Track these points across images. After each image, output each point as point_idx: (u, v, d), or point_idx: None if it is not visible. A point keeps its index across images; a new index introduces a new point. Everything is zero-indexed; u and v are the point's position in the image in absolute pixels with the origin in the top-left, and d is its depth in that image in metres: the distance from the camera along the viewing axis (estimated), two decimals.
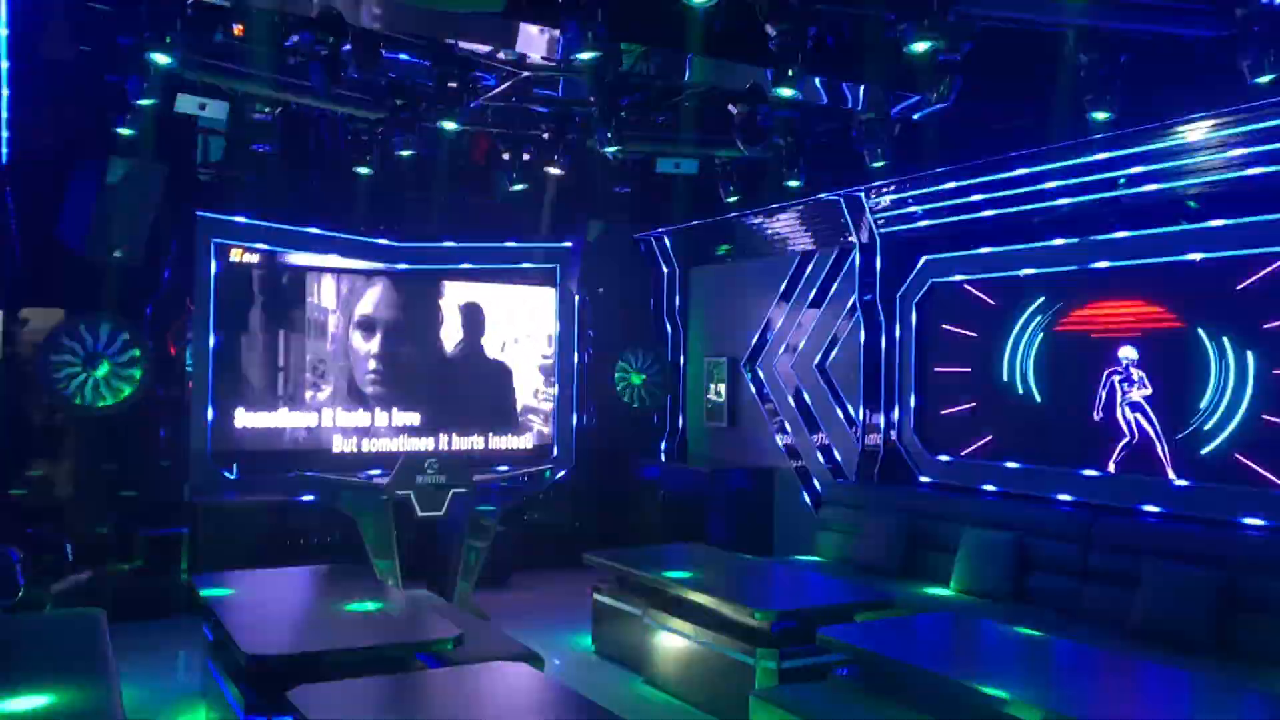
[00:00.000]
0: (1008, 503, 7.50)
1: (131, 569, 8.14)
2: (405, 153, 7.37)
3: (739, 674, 5.83)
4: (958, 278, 8.24)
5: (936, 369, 8.44)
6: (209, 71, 6.54)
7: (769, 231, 9.91)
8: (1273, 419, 6.12)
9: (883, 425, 8.71)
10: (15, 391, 8.25)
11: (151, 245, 8.18)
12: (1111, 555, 6.37)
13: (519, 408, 10.68)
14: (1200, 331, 6.49)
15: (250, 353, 9.35)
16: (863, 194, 8.51)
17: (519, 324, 10.73)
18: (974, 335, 8.07)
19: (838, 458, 9.24)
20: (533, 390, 10.77)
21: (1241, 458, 6.25)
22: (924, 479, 8.36)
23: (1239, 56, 4.81)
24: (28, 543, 7.17)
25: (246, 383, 9.31)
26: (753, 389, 10.30)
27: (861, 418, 8.90)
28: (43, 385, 8.19)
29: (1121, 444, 6.91)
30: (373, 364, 9.95)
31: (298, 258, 9.60)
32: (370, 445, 9.84)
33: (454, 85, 6.64)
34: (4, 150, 7.41)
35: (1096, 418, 7.06)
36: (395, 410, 9.98)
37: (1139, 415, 6.82)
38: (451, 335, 10.40)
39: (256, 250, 9.35)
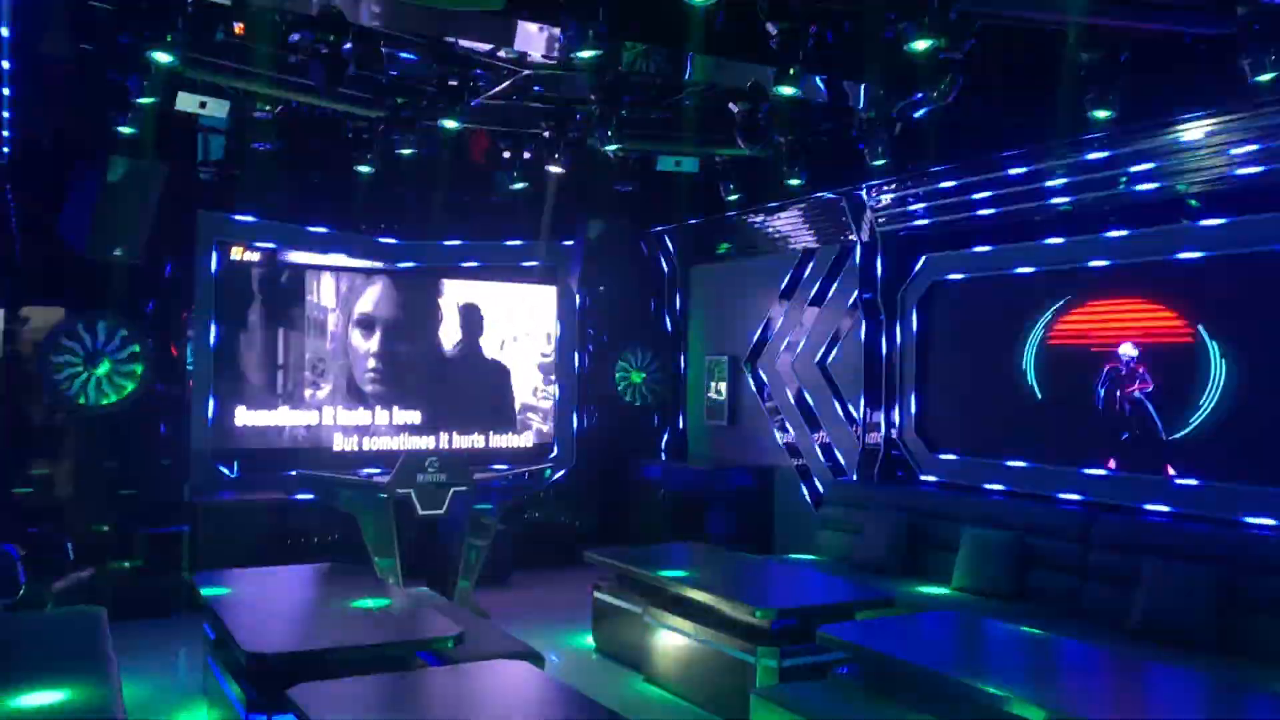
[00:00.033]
0: (1008, 501, 7.51)
1: (132, 567, 8.15)
2: (406, 151, 7.37)
3: (739, 672, 5.83)
4: (959, 276, 8.24)
5: (937, 367, 8.44)
6: (210, 70, 6.54)
7: (770, 230, 9.90)
8: (1273, 417, 6.12)
9: (883, 423, 8.72)
10: (16, 390, 8.26)
11: (152, 244, 8.18)
12: (1112, 554, 6.36)
13: (518, 407, 10.68)
14: (1201, 329, 6.49)
15: (250, 351, 9.36)
16: (863, 192, 8.51)
17: (519, 322, 10.73)
18: (975, 333, 8.07)
19: (838, 456, 9.24)
20: (532, 389, 10.78)
21: (1242, 456, 6.25)
22: (925, 477, 8.36)
23: (1239, 55, 4.81)
24: (29, 541, 7.18)
25: (247, 381, 9.32)
26: (753, 387, 10.30)
27: (862, 416, 8.90)
28: (43, 384, 8.21)
29: (1122, 441, 6.91)
30: (372, 362, 9.96)
31: (298, 256, 9.61)
32: (370, 444, 9.85)
33: (454, 83, 6.64)
34: (5, 149, 7.41)
35: (1097, 415, 7.06)
36: (395, 409, 9.99)
37: (1139, 412, 6.82)
38: (451, 334, 10.41)
39: (257, 249, 9.36)
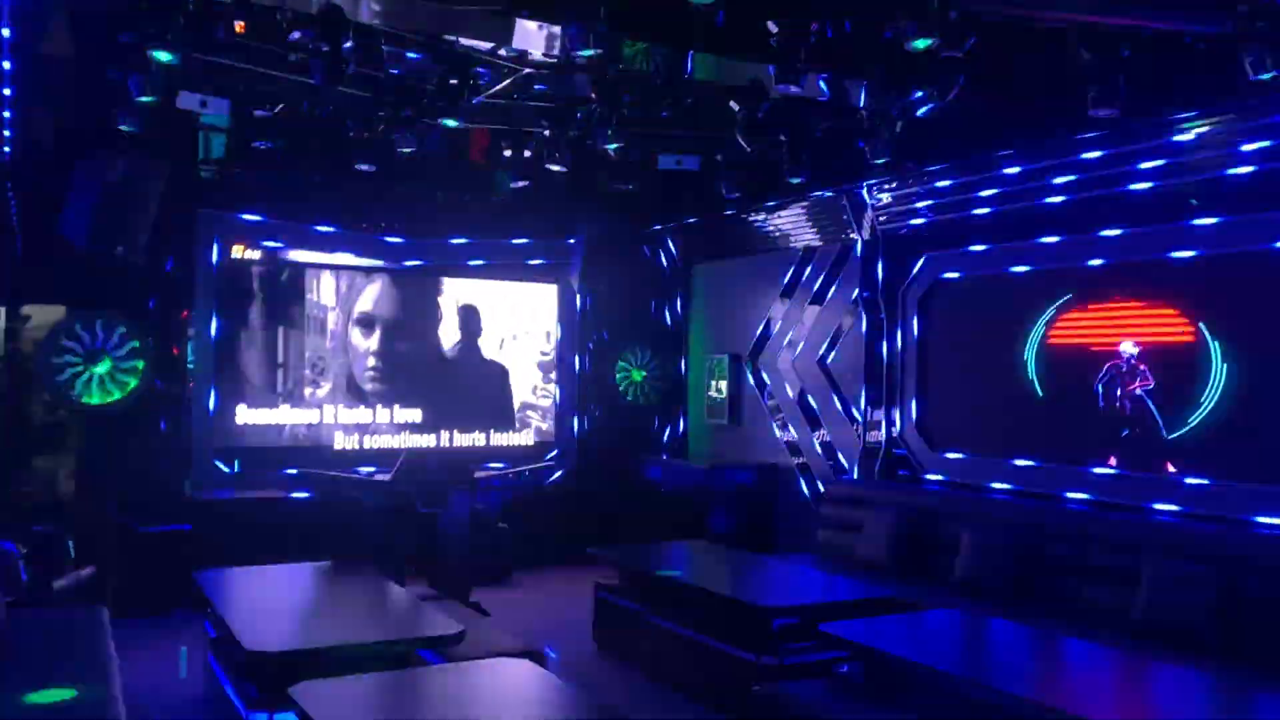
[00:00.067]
0: (1009, 499, 7.50)
1: (133, 565, 8.15)
2: (406, 150, 7.36)
3: (740, 670, 5.84)
4: (959, 274, 8.23)
5: (938, 366, 8.43)
6: (210, 68, 6.53)
7: (770, 228, 9.90)
8: (1275, 415, 6.12)
9: (884, 422, 8.72)
10: (17, 388, 8.27)
11: (153, 242, 8.19)
12: (1112, 553, 6.36)
13: (518, 406, 10.68)
14: (1202, 327, 6.48)
15: (251, 349, 9.37)
16: (864, 191, 8.51)
17: (520, 321, 10.74)
18: (975, 332, 8.07)
19: (839, 455, 9.24)
20: (531, 387, 10.78)
21: (1243, 454, 6.24)
22: (926, 475, 8.36)
23: (1241, 53, 4.80)
24: (30, 539, 7.18)
25: (247, 379, 9.33)
26: (754, 386, 10.30)
27: (863, 414, 8.90)
28: (44, 382, 8.22)
29: (1122, 440, 6.91)
30: (372, 361, 9.97)
31: (298, 254, 9.61)
32: (371, 442, 9.85)
33: (455, 82, 6.63)
34: (5, 148, 7.41)
35: (1098, 414, 7.06)
36: (396, 407, 9.99)
37: (1140, 410, 6.81)
38: (450, 333, 10.41)
39: (257, 247, 9.37)
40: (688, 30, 5.71)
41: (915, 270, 8.55)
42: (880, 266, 8.76)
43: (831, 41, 5.70)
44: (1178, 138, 6.26)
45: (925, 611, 6.06)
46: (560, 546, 9.81)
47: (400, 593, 6.06)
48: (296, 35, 5.63)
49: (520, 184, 8.68)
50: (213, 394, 9.06)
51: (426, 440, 10.04)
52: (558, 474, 10.54)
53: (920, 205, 8.30)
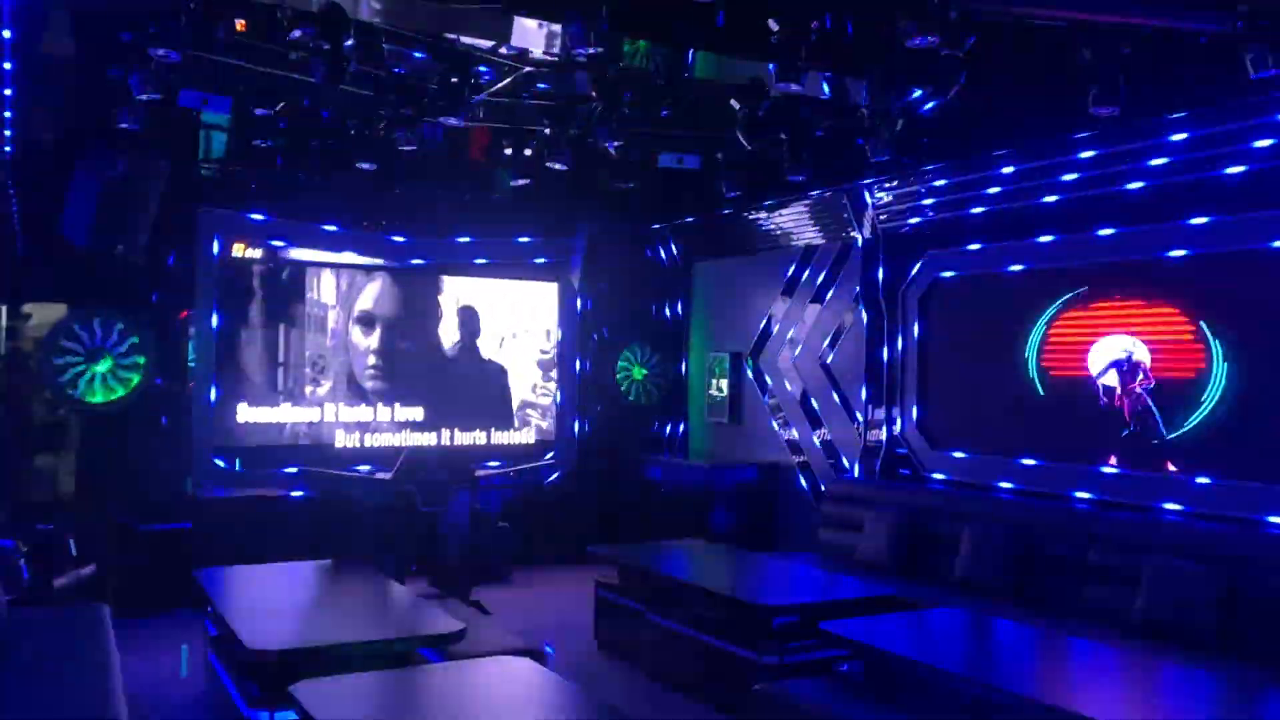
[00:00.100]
0: (1009, 498, 7.50)
1: (134, 563, 8.16)
2: (407, 148, 7.36)
3: (741, 669, 5.84)
4: (960, 273, 8.23)
5: (939, 365, 8.43)
6: (211, 67, 6.53)
7: (771, 226, 9.90)
8: (1276, 414, 6.11)
9: (885, 420, 8.71)
10: (18, 387, 8.27)
11: (153, 240, 8.19)
12: (1113, 551, 6.35)
13: (518, 404, 10.68)
14: (1203, 325, 6.48)
15: (251, 348, 9.37)
16: (865, 189, 8.50)
17: (520, 319, 10.74)
18: (976, 331, 8.06)
19: (840, 453, 9.24)
20: (531, 386, 10.78)
21: (1244, 453, 6.24)
22: (927, 474, 8.36)
23: (1242, 51, 4.80)
24: (31, 537, 7.19)
25: (248, 378, 9.34)
26: (755, 384, 10.30)
27: (864, 413, 8.90)
28: (45, 380, 8.22)
29: (1123, 439, 6.90)
30: (372, 359, 9.97)
31: (299, 253, 9.62)
32: (372, 440, 9.86)
33: (456, 80, 6.63)
34: (7, 147, 7.41)
35: (1099, 413, 7.05)
36: (397, 405, 10.00)
37: (1141, 410, 6.81)
38: (450, 332, 10.42)
39: (258, 245, 9.37)
40: (688, 28, 5.70)
41: (916, 269, 8.54)
42: (881, 265, 8.76)
43: (832, 40, 5.70)
44: (1183, 135, 6.25)
45: (926, 610, 6.06)
46: (561, 545, 9.82)
47: (401, 591, 6.07)
48: (297, 34, 5.63)
49: (521, 182, 8.68)
50: (213, 392, 9.06)
51: (427, 438, 10.05)
52: (558, 473, 10.54)
53: (921, 204, 8.29)
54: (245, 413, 9.28)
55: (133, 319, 8.47)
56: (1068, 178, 7.07)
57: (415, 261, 10.13)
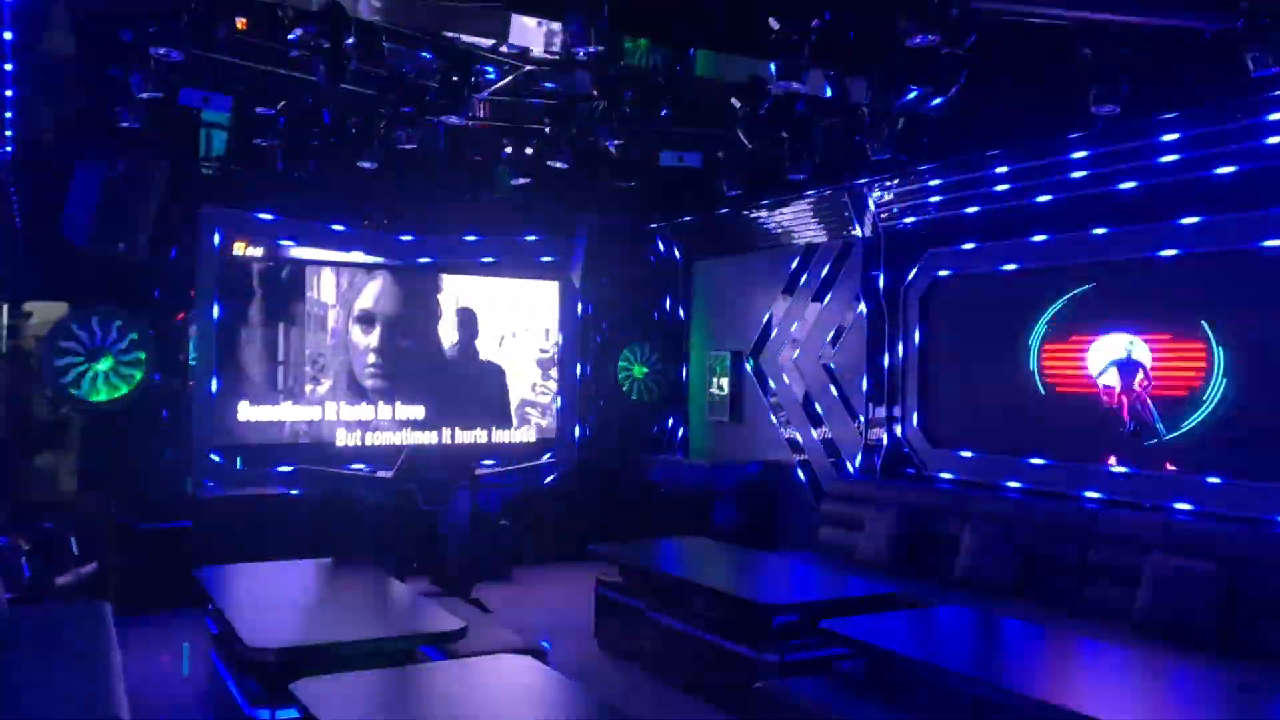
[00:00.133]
0: (1010, 497, 7.50)
1: (135, 562, 8.16)
2: (408, 146, 7.36)
3: (742, 667, 5.84)
4: (961, 271, 8.22)
5: (939, 363, 8.43)
6: (212, 65, 6.54)
7: (772, 225, 9.90)
8: (1275, 413, 6.11)
9: (886, 419, 8.71)
10: (19, 385, 8.28)
11: (154, 239, 8.19)
12: (1114, 550, 6.36)
13: (518, 403, 10.68)
14: (1204, 325, 6.47)
15: (252, 346, 9.37)
16: (866, 187, 8.50)
17: (520, 318, 10.74)
18: (977, 329, 8.06)
19: (841, 452, 9.24)
20: (531, 384, 10.78)
21: (1245, 452, 6.23)
22: (927, 473, 8.36)
23: (1243, 50, 4.79)
24: (32, 536, 7.19)
25: (248, 376, 9.34)
26: (756, 383, 10.30)
27: (865, 412, 8.89)
28: (46, 379, 8.23)
29: (1123, 438, 6.90)
30: (372, 358, 9.97)
31: (299, 251, 9.62)
32: (373, 439, 9.86)
33: (457, 79, 6.63)
34: (8, 146, 7.42)
35: (1100, 412, 7.05)
36: (398, 404, 10.00)
37: (1141, 409, 6.81)
38: (450, 332, 10.42)
39: (258, 244, 9.37)
40: (689, 27, 5.70)
41: (917, 267, 8.54)
42: (882, 264, 8.76)
43: (833, 38, 5.69)
44: (1187, 133, 6.23)
45: (926, 609, 6.07)
46: (561, 543, 9.83)
47: (402, 589, 6.07)
48: (298, 32, 5.63)
49: (521, 181, 8.68)
50: (214, 391, 9.07)
51: (428, 437, 10.05)
52: (559, 471, 10.55)
53: (922, 202, 8.29)
54: (246, 411, 9.29)
55: (133, 318, 8.47)
56: (1067, 177, 7.07)
57: (416, 260, 10.13)
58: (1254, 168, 6.10)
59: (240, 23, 5.97)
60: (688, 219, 10.67)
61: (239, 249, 9.27)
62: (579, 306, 10.95)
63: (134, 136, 7.16)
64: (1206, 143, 6.22)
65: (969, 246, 8.09)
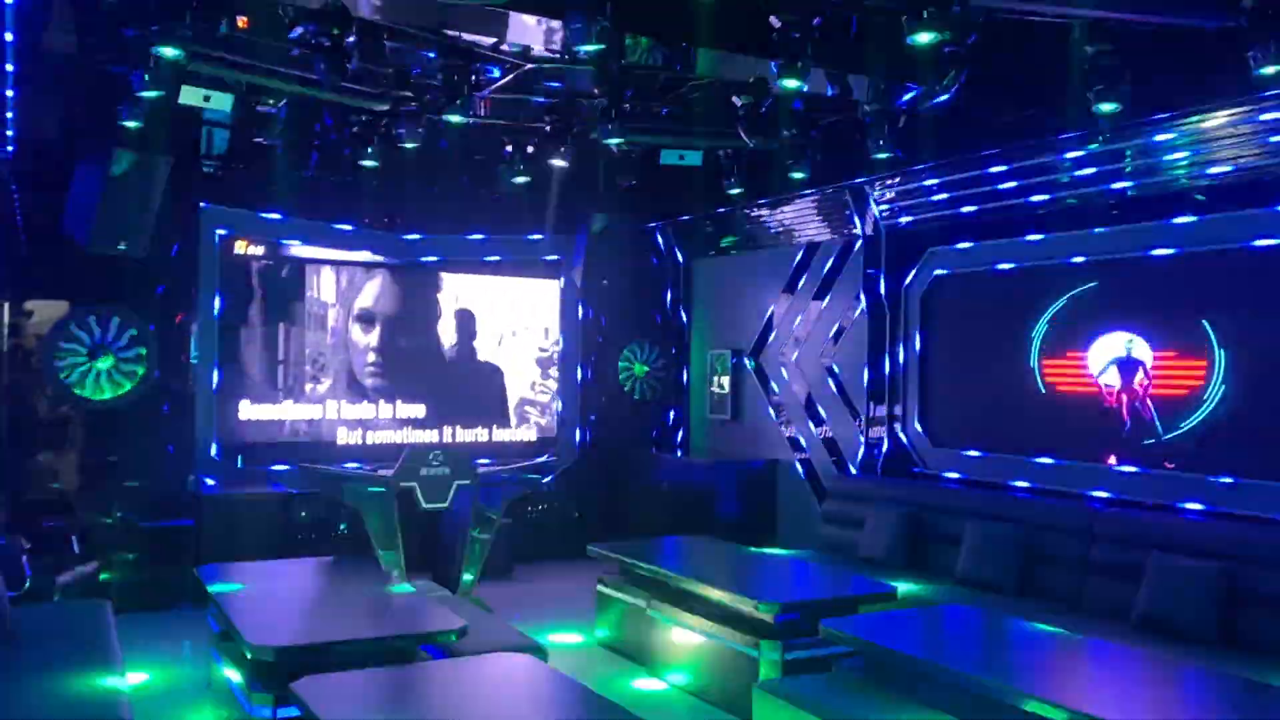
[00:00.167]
0: (1011, 495, 7.50)
1: (137, 560, 8.17)
2: (410, 145, 7.36)
3: (743, 665, 5.84)
4: (962, 270, 8.22)
5: (940, 362, 8.43)
6: (213, 64, 6.53)
7: (773, 223, 9.90)
8: (1275, 411, 6.11)
9: (887, 418, 8.71)
10: (20, 384, 8.28)
11: (156, 238, 8.19)
12: (1115, 548, 6.36)
13: (517, 401, 10.68)
14: (1205, 324, 6.47)
15: (252, 345, 9.38)
16: (867, 186, 8.50)
17: (520, 316, 10.74)
18: (978, 328, 8.06)
19: (841, 450, 9.23)
20: (531, 383, 10.78)
21: (1245, 451, 6.23)
22: (928, 471, 8.36)
23: (1245, 48, 4.79)
24: (34, 534, 7.20)
25: (249, 375, 9.34)
26: (756, 381, 10.30)
27: (865, 410, 8.89)
28: (47, 378, 8.23)
29: (1124, 437, 6.90)
30: (371, 356, 9.98)
31: (300, 250, 9.62)
32: (374, 437, 9.86)
33: (458, 77, 6.63)
34: (9, 146, 7.41)
35: (1101, 410, 7.05)
36: (398, 403, 10.00)
37: (1141, 408, 6.81)
38: (449, 331, 10.42)
39: (259, 243, 9.37)
40: (691, 25, 5.69)
41: (918, 266, 8.54)
42: (883, 262, 8.75)
43: (835, 36, 5.69)
44: (1190, 131, 6.21)
45: (927, 607, 6.06)
46: (562, 541, 9.82)
47: (402, 588, 6.07)
48: (299, 31, 5.63)
49: (522, 179, 8.67)
50: (215, 390, 9.07)
51: (429, 436, 10.06)
52: (559, 469, 10.55)
53: (923, 201, 8.28)
54: (247, 410, 9.29)
55: (134, 316, 8.47)
56: (1068, 176, 7.06)
57: (417, 259, 10.12)
58: (1255, 166, 6.10)
59: (241, 21, 5.96)
60: (689, 217, 10.67)
61: (240, 247, 9.27)
62: (579, 305, 10.95)
63: (136, 134, 7.15)
64: (1206, 141, 6.21)
65: (970, 245, 8.08)
